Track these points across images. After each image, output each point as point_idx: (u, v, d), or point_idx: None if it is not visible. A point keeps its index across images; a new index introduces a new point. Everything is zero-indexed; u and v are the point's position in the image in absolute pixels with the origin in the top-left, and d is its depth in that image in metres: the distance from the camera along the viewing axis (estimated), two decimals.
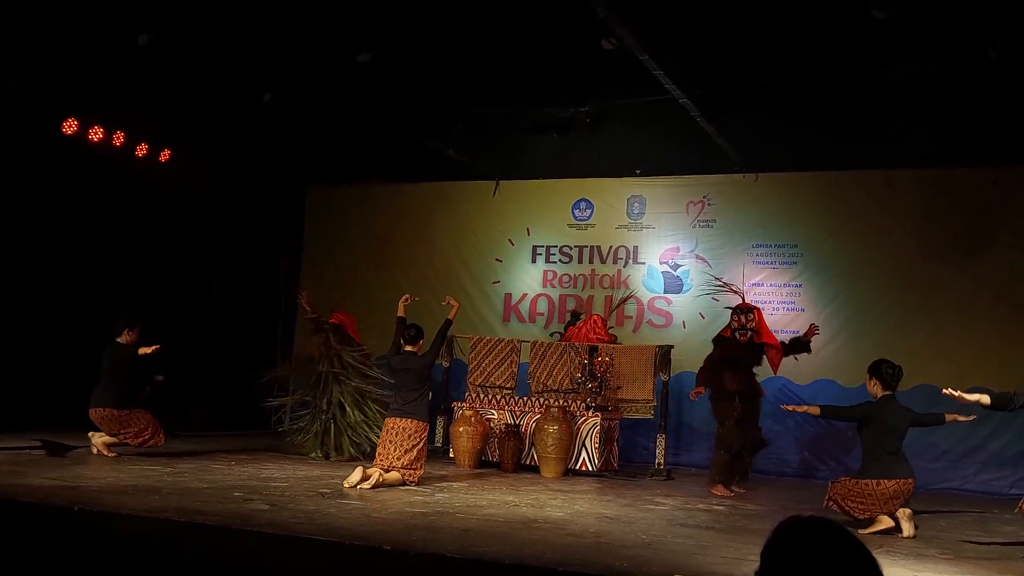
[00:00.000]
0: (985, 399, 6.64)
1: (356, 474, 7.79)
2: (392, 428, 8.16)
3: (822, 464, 10.92)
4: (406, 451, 8.05)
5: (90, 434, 9.05)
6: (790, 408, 7.98)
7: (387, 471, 7.96)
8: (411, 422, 8.15)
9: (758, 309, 9.72)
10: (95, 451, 8.96)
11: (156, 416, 9.23)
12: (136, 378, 9.39)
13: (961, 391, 6.75)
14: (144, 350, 9.20)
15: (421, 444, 8.17)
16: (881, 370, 7.29)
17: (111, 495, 6.43)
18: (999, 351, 10.48)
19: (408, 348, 8.47)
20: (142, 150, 11.35)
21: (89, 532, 5.61)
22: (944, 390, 6.90)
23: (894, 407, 7.23)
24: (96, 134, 10.72)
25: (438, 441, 10.97)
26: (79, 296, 11.48)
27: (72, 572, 5.37)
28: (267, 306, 13.78)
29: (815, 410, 7.76)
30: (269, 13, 8.13)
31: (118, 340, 9.35)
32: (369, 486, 7.69)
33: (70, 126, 10.45)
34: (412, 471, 8.10)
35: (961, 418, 6.86)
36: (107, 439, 8.98)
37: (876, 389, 7.29)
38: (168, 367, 10.40)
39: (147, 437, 9.00)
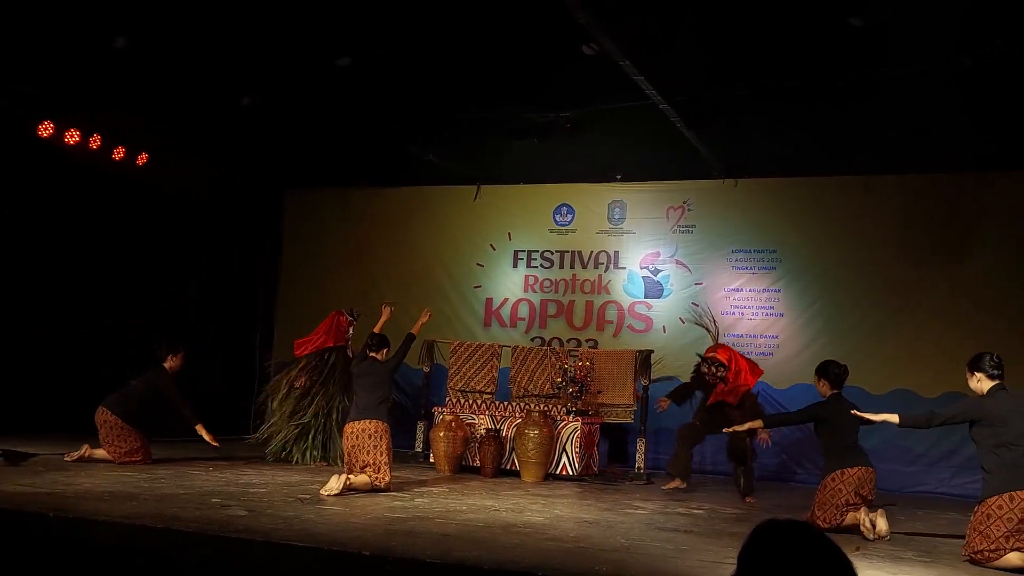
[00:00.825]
0: (893, 418, 6.88)
1: (332, 481, 7.74)
2: (351, 432, 8.11)
3: (800, 467, 10.97)
4: (368, 452, 7.97)
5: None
6: (730, 430, 8.02)
7: (354, 475, 7.90)
8: (370, 423, 8.08)
9: (731, 355, 9.65)
10: (69, 458, 8.87)
11: (147, 436, 9.18)
12: (154, 408, 9.28)
13: (871, 413, 7.12)
14: (202, 430, 9.15)
15: (385, 445, 8.05)
16: (828, 370, 7.62)
17: (87, 501, 6.38)
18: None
19: (372, 355, 8.44)
20: (119, 153, 11.29)
21: (65, 539, 5.56)
22: (852, 412, 7.24)
23: (844, 404, 7.46)
24: (72, 137, 10.66)
25: (418, 446, 10.96)
26: (66, 297, 11.48)
27: None
28: (246, 311, 13.73)
29: (758, 423, 7.85)
30: (249, 17, 8.11)
31: (164, 365, 9.33)
32: (338, 490, 7.61)
33: (46, 128, 10.39)
34: (380, 474, 7.97)
35: (872, 417, 7.13)
36: (96, 452, 8.91)
37: (825, 389, 7.61)
38: (145, 370, 10.32)
39: (136, 459, 8.94)
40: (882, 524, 6.92)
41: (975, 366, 6.48)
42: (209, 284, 13.08)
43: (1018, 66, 8.04)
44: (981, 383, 6.44)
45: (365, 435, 8.03)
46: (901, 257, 11.01)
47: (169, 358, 9.39)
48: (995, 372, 6.39)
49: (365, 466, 7.96)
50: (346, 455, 8.15)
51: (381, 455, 8.01)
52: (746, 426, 7.90)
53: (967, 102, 8.86)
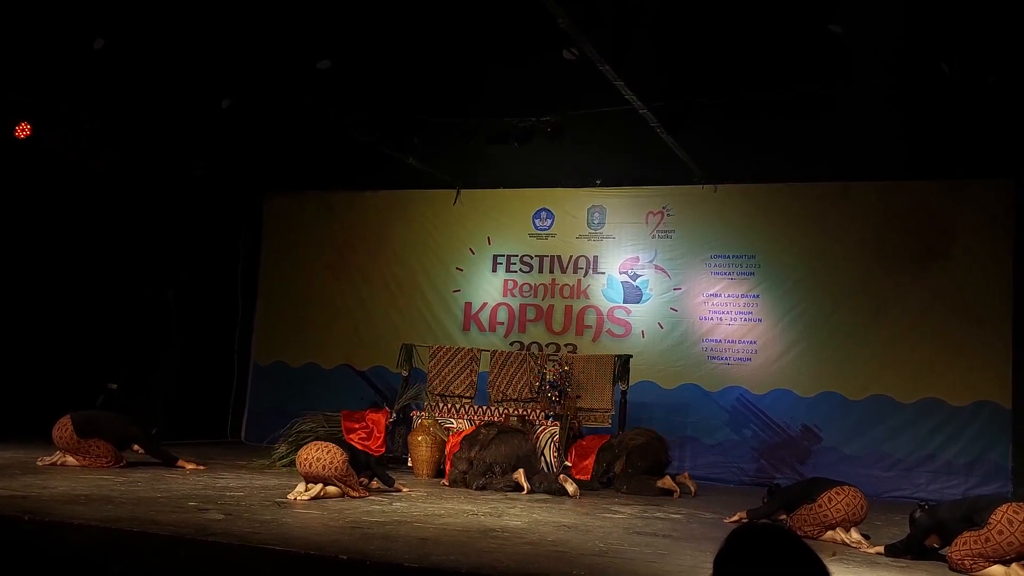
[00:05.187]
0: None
1: (300, 486, 7.68)
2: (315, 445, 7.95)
3: (778, 472, 11.00)
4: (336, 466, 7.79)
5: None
6: (730, 520, 7.85)
7: (327, 484, 7.79)
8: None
9: None
10: (42, 463, 8.79)
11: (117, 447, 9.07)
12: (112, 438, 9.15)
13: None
14: (183, 463, 9.17)
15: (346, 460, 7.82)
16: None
17: (63, 505, 6.32)
18: (952, 361, 10.66)
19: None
20: (99, 156, 11.19)
21: (40, 543, 5.51)
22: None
23: (788, 489, 7.64)
24: (52, 138, 10.57)
25: (397, 450, 10.93)
26: (42, 301, 11.41)
27: None
28: (224, 314, 13.68)
29: (742, 514, 7.76)
30: (228, 19, 8.07)
31: (134, 426, 9.27)
32: (309, 497, 7.55)
33: (23, 130, 10.30)
34: (348, 486, 7.78)
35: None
36: (68, 459, 8.82)
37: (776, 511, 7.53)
38: (122, 375, 10.25)
39: (104, 464, 8.87)
40: (855, 534, 6.90)
41: None
42: (188, 286, 13.03)
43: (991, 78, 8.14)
44: None
45: (324, 449, 7.81)
46: (879, 263, 11.10)
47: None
48: None
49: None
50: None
51: (347, 468, 7.81)
52: (736, 516, 7.82)
53: (944, 112, 8.94)
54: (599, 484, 9.70)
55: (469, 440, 9.31)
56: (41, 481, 7.50)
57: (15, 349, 11.19)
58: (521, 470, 8.95)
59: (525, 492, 8.75)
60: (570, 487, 8.83)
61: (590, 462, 9.90)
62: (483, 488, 8.90)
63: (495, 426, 9.54)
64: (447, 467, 9.86)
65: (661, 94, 9.14)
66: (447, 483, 9.30)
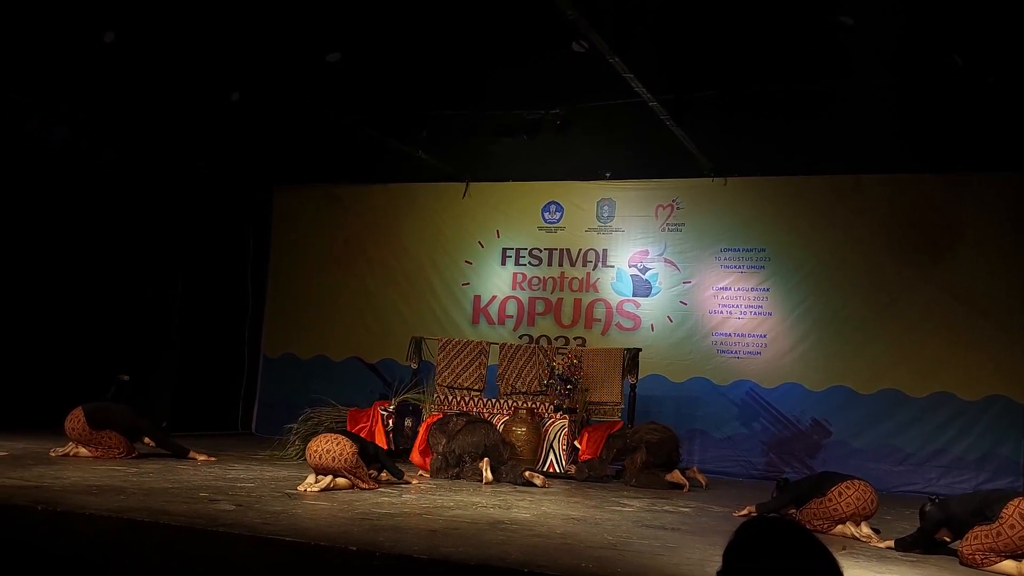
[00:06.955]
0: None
1: (311, 478, 7.71)
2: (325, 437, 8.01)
3: (787, 466, 10.99)
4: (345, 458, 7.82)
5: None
6: (739, 514, 7.79)
7: (337, 476, 7.82)
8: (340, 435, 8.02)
9: None
10: (55, 453, 8.84)
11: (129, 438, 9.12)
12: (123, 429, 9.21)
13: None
14: (195, 455, 9.23)
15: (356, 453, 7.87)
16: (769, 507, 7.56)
17: (75, 495, 6.36)
18: (961, 354, 10.63)
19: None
20: (102, 155, 11.21)
21: (52, 532, 5.55)
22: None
23: (799, 483, 7.63)
24: (59, 133, 10.58)
25: (406, 443, 10.94)
26: (54, 293, 11.46)
27: (35, 573, 5.32)
28: (234, 306, 13.71)
29: (752, 507, 7.76)
30: (233, 14, 8.08)
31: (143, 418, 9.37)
32: (319, 488, 7.59)
33: (34, 125, 10.32)
34: (358, 478, 7.84)
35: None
36: (80, 450, 8.87)
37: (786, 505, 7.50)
38: (134, 367, 10.29)
39: (116, 455, 8.90)
40: (865, 528, 6.90)
41: None
42: (198, 279, 13.07)
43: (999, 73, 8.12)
44: None
45: (333, 441, 7.83)
46: (889, 257, 11.06)
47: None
48: None
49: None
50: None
51: (356, 460, 7.84)
52: (745, 510, 7.81)
53: (955, 106, 8.91)
54: (599, 465, 9.77)
55: (440, 428, 9.40)
56: (54, 471, 7.55)
57: (28, 342, 11.25)
58: (486, 459, 8.98)
59: (484, 482, 8.77)
60: (537, 480, 8.85)
61: (599, 445, 9.89)
62: (456, 478, 9.02)
63: (464, 415, 9.62)
64: (416, 446, 9.86)
65: (670, 87, 9.12)
66: (427, 473, 9.32)
